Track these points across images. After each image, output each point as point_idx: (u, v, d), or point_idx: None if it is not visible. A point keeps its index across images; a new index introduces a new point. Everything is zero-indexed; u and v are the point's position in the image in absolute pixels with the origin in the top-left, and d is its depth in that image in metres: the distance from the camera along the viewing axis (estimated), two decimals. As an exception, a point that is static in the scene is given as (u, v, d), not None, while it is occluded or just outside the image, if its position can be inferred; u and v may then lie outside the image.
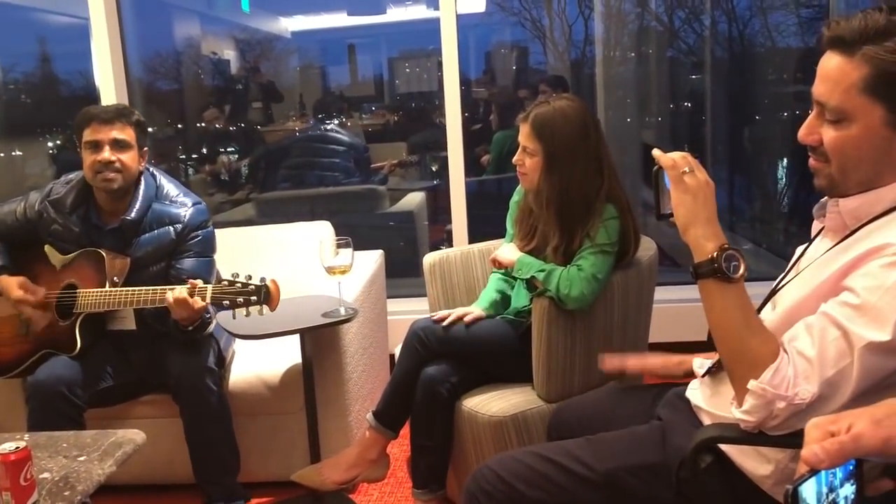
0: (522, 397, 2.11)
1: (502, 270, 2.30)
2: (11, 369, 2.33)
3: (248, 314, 2.07)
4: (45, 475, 1.61)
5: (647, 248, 2.28)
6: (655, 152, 1.30)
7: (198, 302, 2.07)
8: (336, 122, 5.32)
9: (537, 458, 1.47)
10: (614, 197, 2.10)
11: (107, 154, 2.25)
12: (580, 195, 2.07)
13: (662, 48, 4.85)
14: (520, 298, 2.25)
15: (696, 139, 4.70)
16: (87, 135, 2.27)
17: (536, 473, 1.44)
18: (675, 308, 3.17)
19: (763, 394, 1.16)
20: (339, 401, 2.45)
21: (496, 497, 1.44)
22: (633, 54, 4.87)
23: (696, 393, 1.47)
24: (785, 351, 1.19)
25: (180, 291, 2.09)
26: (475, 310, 2.25)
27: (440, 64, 3.39)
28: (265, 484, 2.47)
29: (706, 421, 1.41)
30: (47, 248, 2.36)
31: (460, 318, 2.21)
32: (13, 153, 5.24)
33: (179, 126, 5.59)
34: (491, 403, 2.09)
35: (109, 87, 3.46)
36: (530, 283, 2.11)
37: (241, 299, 2.06)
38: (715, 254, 1.21)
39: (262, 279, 2.08)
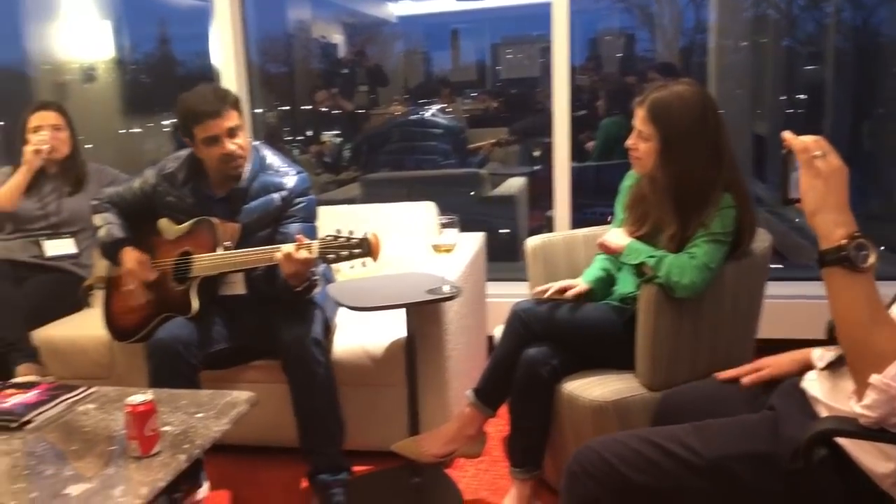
0: (624, 384, 2.08)
1: (610, 256, 2.27)
2: (136, 333, 2.49)
3: (352, 267, 2.15)
4: (167, 428, 1.70)
5: (761, 239, 2.20)
6: (786, 134, 1.25)
7: (303, 253, 2.16)
8: (437, 107, 5.36)
9: (642, 441, 1.44)
10: (733, 186, 2.03)
11: (230, 147, 2.34)
12: (697, 183, 2.01)
13: (779, 37, 4.65)
14: (626, 284, 2.22)
15: (814, 133, 4.48)
16: (202, 132, 2.32)
17: (641, 457, 1.41)
18: (784, 304, 3.05)
19: (886, 389, 1.12)
20: (439, 377, 2.48)
21: (598, 478, 1.42)
22: (746, 43, 4.69)
23: (815, 384, 1.42)
24: None
25: (288, 247, 2.18)
26: (579, 282, 2.23)
27: (543, 50, 3.35)
28: (364, 453, 2.53)
29: (823, 414, 1.36)
30: (162, 221, 2.50)
31: (563, 291, 2.20)
32: (131, 130, 5.53)
33: (287, 108, 5.76)
34: (592, 388, 2.07)
35: (230, 70, 3.57)
36: (639, 270, 2.07)
37: (346, 252, 2.14)
38: (844, 241, 1.16)
39: (364, 233, 2.16)
